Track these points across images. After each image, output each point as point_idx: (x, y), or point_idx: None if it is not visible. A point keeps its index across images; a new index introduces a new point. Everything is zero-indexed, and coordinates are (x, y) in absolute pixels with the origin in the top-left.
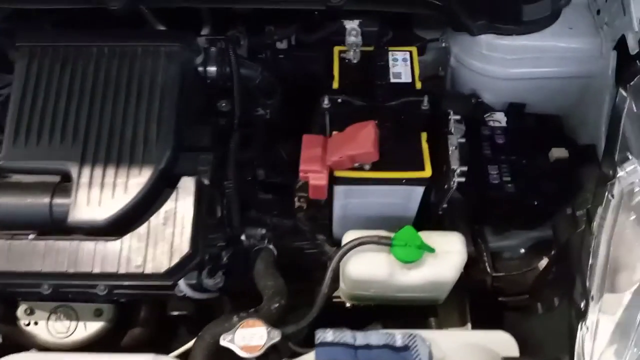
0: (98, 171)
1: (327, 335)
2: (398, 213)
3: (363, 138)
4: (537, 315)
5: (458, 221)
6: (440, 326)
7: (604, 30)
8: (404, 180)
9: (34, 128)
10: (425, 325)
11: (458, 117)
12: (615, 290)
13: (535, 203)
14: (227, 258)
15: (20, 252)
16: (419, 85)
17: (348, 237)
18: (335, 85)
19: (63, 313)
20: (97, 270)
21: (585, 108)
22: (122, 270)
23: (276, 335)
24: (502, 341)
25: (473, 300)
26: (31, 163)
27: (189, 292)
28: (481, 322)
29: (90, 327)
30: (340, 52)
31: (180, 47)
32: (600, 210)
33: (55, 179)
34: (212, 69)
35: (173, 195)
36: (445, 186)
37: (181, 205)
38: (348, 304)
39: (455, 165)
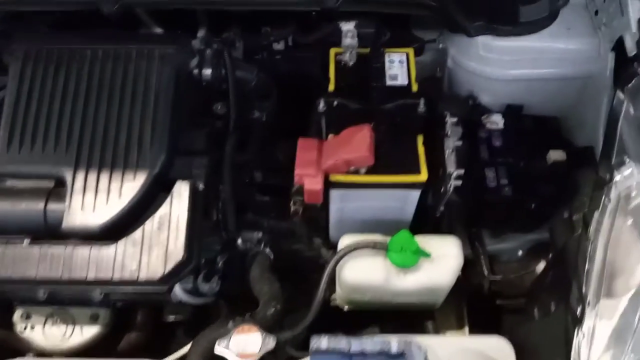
0: (92, 176)
1: (322, 342)
2: (395, 216)
3: (358, 142)
4: (534, 320)
5: (455, 224)
6: (437, 330)
7: (602, 31)
8: (399, 184)
9: (28, 133)
10: (422, 329)
11: (455, 119)
12: (612, 295)
13: (533, 206)
14: (222, 263)
15: (14, 258)
16: (415, 87)
17: (344, 241)
18: (331, 87)
19: (59, 318)
20: (91, 276)
21: (583, 109)
22: (117, 276)
23: (271, 342)
24: (499, 347)
25: (470, 304)
26: (25, 168)
27: (184, 297)
28: (479, 326)
29: (86, 332)
30: (337, 54)
31: (174, 49)
32: (596, 214)
33: (50, 184)
34: (208, 71)
35: (167, 200)
36: (442, 189)
37: (176, 210)
38: (345, 308)
39: (451, 168)
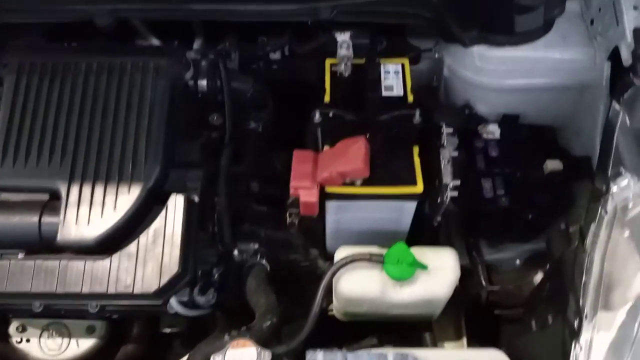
0: (87, 189)
1: (317, 356)
2: (391, 227)
3: (353, 154)
4: (532, 332)
5: (453, 234)
6: (435, 341)
7: (598, 41)
8: (395, 196)
9: (22, 146)
10: (420, 340)
11: (451, 129)
12: (609, 308)
13: (530, 216)
14: (219, 275)
15: (9, 272)
16: (411, 98)
17: (340, 254)
18: (327, 98)
19: (55, 330)
20: (86, 290)
21: (580, 119)
22: (111, 290)
23: (266, 356)
24: None
25: (468, 314)
26: (19, 181)
27: (180, 310)
28: (477, 336)
29: (82, 344)
30: (332, 65)
31: (169, 62)
32: (593, 226)
33: (44, 197)
34: (203, 82)
35: (162, 213)
36: (439, 200)
37: (170, 224)
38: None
39: (447, 179)
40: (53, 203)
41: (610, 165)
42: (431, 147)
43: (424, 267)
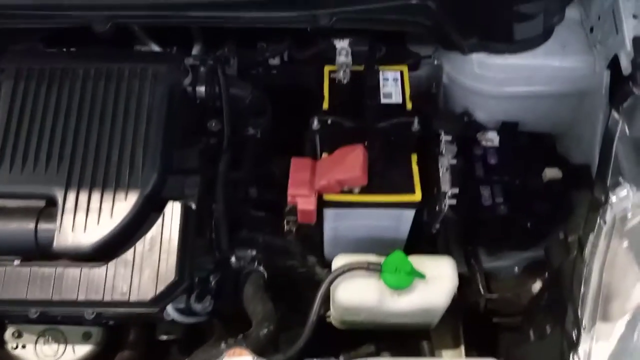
0: (83, 196)
1: None
2: (390, 235)
3: (351, 162)
4: (530, 341)
5: (451, 241)
6: (433, 349)
7: (597, 49)
8: (393, 204)
9: (19, 152)
10: (417, 349)
11: (449, 137)
12: (608, 319)
13: (528, 225)
14: (215, 282)
15: (4, 279)
16: (409, 105)
17: (337, 262)
18: (325, 105)
19: (51, 336)
20: (82, 297)
21: (579, 127)
22: (107, 298)
23: None
24: None
25: (466, 322)
26: (16, 187)
27: (177, 317)
28: (475, 344)
29: (78, 351)
30: (331, 72)
31: (167, 68)
32: (592, 236)
33: (41, 203)
34: (201, 88)
35: (159, 221)
36: (437, 208)
37: (167, 231)
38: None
39: (446, 187)
40: (49, 210)
41: (609, 174)
42: (430, 154)
43: (421, 276)
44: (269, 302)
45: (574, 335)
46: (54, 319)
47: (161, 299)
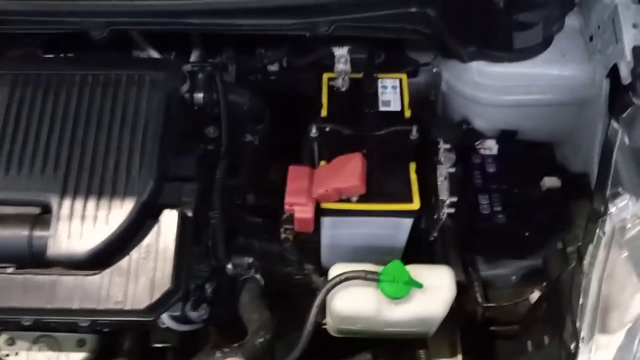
0: (79, 203)
1: None
2: (387, 243)
3: (350, 171)
4: (528, 352)
5: (449, 249)
6: (430, 358)
7: (597, 58)
8: (391, 213)
9: (14, 158)
10: (414, 357)
11: (448, 146)
12: (607, 330)
13: (527, 234)
14: (211, 290)
15: None
16: (408, 113)
17: (334, 271)
18: (324, 113)
19: (45, 344)
20: (76, 306)
21: (578, 136)
22: (102, 306)
23: None
24: None
25: (464, 331)
26: (11, 194)
27: (172, 325)
28: (472, 353)
29: (72, 358)
30: (329, 79)
31: (165, 75)
32: (591, 247)
33: (35, 210)
34: (199, 95)
35: (155, 229)
36: (435, 216)
37: (163, 239)
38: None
39: (444, 196)
40: (44, 217)
41: (609, 185)
42: (428, 162)
43: (419, 285)
44: (265, 310)
45: (572, 346)
46: (48, 325)
47: (156, 308)
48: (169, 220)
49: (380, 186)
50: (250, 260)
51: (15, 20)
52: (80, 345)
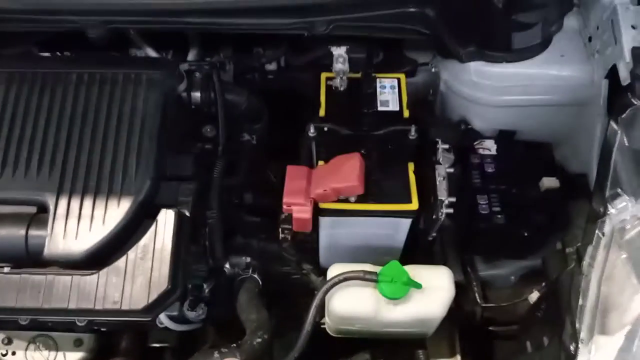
0: (75, 202)
1: None
2: (386, 243)
3: (348, 171)
4: (527, 353)
5: (447, 249)
6: (428, 358)
7: (596, 58)
8: (390, 213)
9: (10, 157)
10: (413, 358)
11: (446, 146)
12: (606, 332)
13: (526, 234)
14: (209, 290)
15: None
16: (407, 113)
17: (333, 271)
18: (322, 113)
19: (42, 343)
20: (72, 306)
21: (577, 136)
22: (99, 306)
23: None
24: None
25: (462, 331)
26: (7, 193)
27: (170, 325)
28: (471, 353)
29: (70, 358)
30: (327, 78)
31: (162, 74)
32: (590, 248)
33: (32, 210)
34: (197, 94)
35: (152, 228)
36: (434, 216)
37: (160, 239)
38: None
39: (443, 196)
40: (40, 216)
41: (608, 186)
42: (427, 162)
43: (418, 286)
44: (263, 310)
45: (572, 348)
46: (45, 325)
47: (153, 308)
48: (166, 220)
49: (379, 186)
50: (248, 259)
51: (12, 18)
52: (77, 344)
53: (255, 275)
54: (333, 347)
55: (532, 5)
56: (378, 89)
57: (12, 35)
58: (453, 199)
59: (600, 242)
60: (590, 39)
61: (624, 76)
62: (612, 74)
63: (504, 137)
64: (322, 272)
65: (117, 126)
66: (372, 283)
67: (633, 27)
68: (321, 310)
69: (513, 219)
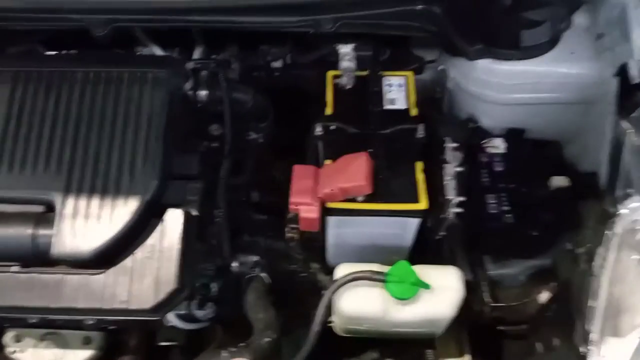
0: (82, 201)
1: None
2: (394, 242)
3: (355, 170)
4: (537, 354)
5: (456, 248)
6: (437, 358)
7: (605, 56)
8: (398, 212)
9: (17, 156)
10: (421, 358)
11: (455, 144)
12: (618, 333)
13: (535, 234)
14: (217, 289)
15: (2, 286)
16: (414, 112)
17: (341, 271)
18: (329, 111)
19: (51, 341)
20: (81, 305)
21: (586, 134)
22: (107, 306)
23: None
24: None
25: (471, 330)
26: (14, 192)
27: (178, 324)
28: (480, 353)
29: (79, 355)
30: (334, 77)
31: (168, 73)
32: (601, 249)
33: (39, 209)
34: (203, 92)
35: (159, 228)
36: (442, 216)
37: (168, 238)
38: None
39: (451, 195)
40: (47, 215)
41: (619, 186)
42: (435, 161)
43: (427, 286)
44: (271, 309)
45: (583, 349)
46: (54, 323)
47: (161, 307)
48: (173, 219)
49: (387, 185)
50: (256, 258)
51: (17, 17)
52: (86, 342)
53: (263, 274)
54: (340, 345)
55: (540, 2)
56: (385, 87)
57: (16, 33)
58: (462, 199)
59: (611, 242)
60: (599, 37)
61: (634, 74)
62: (622, 71)
63: (512, 136)
64: (330, 271)
65: (123, 125)
66: (380, 283)
67: None
68: (329, 309)
69: (522, 218)
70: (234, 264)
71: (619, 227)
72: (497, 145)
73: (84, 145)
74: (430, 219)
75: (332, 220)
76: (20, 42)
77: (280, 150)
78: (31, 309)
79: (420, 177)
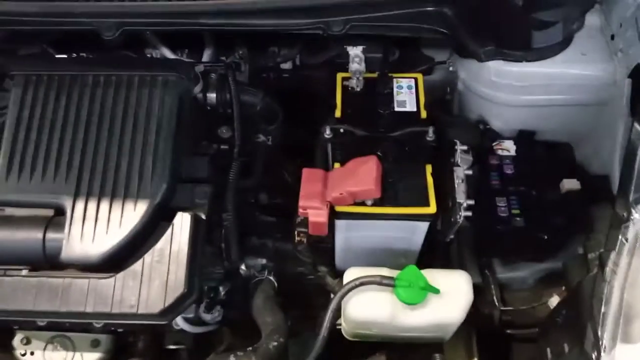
0: (92, 205)
1: None
2: (403, 246)
3: (364, 174)
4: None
5: (465, 251)
6: None
7: (618, 57)
8: (407, 216)
9: (27, 160)
10: None
11: (465, 147)
12: (629, 340)
13: (545, 237)
14: (225, 292)
15: (12, 289)
16: (424, 114)
17: (349, 275)
18: (338, 114)
19: (59, 343)
20: (89, 309)
21: (598, 137)
22: (116, 310)
23: None
24: None
25: (480, 333)
26: (24, 196)
27: (186, 327)
28: (489, 357)
29: (87, 358)
30: (344, 79)
31: (177, 76)
32: (613, 254)
33: (49, 212)
34: (212, 95)
35: (168, 232)
36: (452, 219)
37: (176, 242)
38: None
39: (461, 199)
40: (58, 219)
41: (632, 190)
42: (444, 164)
43: (436, 290)
44: (279, 312)
45: (594, 356)
46: (63, 325)
47: (170, 311)
48: (182, 223)
49: (396, 189)
50: (264, 261)
51: (28, 20)
52: (94, 345)
53: (271, 277)
54: (348, 349)
55: (552, 3)
56: (395, 89)
57: (27, 37)
58: (472, 202)
59: (623, 248)
60: (612, 37)
61: None
62: (636, 73)
63: (523, 138)
64: (338, 274)
65: (133, 129)
66: (389, 288)
67: None
68: (337, 312)
69: (532, 221)
70: (243, 267)
71: (631, 232)
72: (508, 148)
73: (94, 149)
74: (439, 222)
75: (341, 224)
76: (31, 45)
77: (289, 152)
78: (40, 312)
79: (429, 180)
